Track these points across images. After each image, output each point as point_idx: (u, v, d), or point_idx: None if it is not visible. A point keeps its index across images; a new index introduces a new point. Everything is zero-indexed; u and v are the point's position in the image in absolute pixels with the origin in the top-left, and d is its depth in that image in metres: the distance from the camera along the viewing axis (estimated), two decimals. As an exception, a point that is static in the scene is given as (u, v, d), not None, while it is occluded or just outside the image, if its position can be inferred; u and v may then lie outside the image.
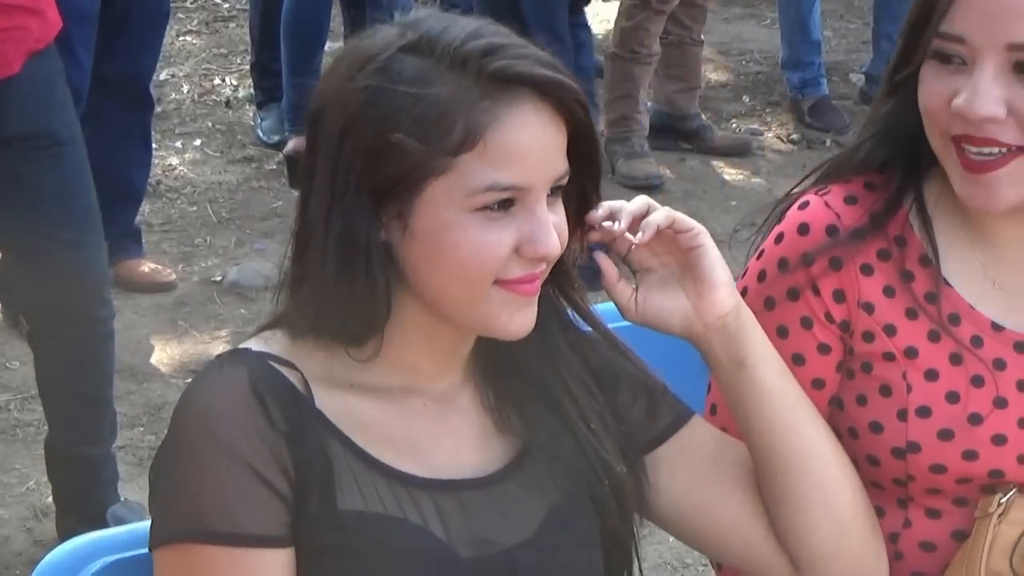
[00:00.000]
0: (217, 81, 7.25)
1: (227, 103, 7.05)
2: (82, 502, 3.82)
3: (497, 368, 1.92)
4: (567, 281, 1.93)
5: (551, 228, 1.79)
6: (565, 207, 1.85)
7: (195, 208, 6.03)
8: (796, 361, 2.00)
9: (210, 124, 6.78)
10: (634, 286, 1.90)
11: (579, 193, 1.88)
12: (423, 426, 1.85)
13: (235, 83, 7.24)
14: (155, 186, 5.84)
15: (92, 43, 4.79)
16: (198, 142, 6.56)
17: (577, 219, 1.88)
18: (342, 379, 1.82)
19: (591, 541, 1.90)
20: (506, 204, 1.77)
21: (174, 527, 1.75)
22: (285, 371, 1.76)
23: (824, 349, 2.00)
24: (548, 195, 1.80)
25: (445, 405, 1.88)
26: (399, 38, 1.80)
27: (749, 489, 1.98)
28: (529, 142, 1.78)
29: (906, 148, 2.01)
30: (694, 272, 1.86)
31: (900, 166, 2.03)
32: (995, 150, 1.89)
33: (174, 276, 5.38)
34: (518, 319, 1.81)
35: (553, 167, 1.80)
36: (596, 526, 1.90)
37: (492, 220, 1.77)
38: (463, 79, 1.77)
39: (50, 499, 3.98)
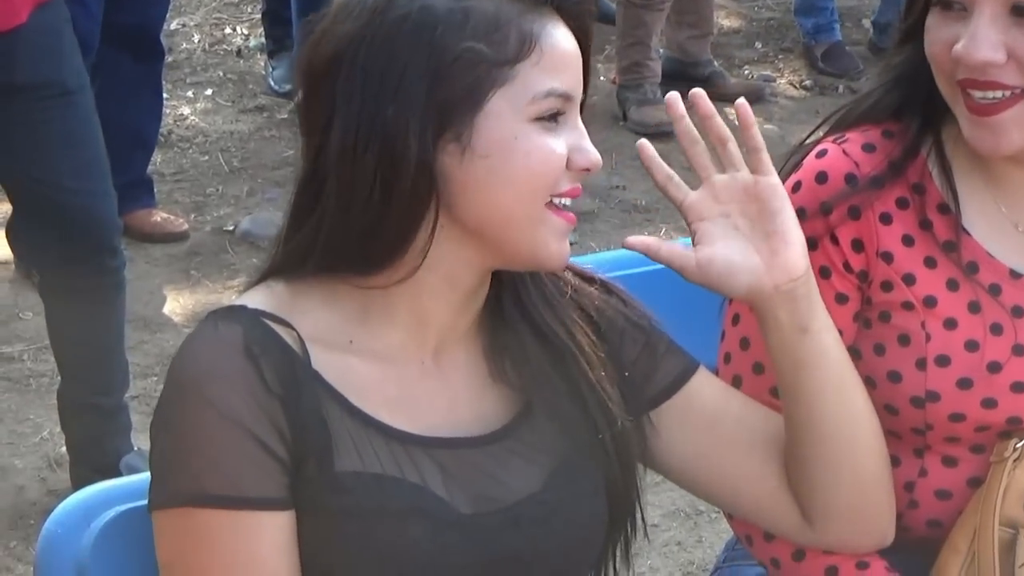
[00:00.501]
0: (228, 30, 7.22)
1: (238, 52, 7.03)
2: (95, 451, 3.85)
3: (499, 323, 1.92)
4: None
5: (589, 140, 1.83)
6: None
7: (207, 158, 6.05)
8: None
9: (221, 73, 6.77)
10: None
11: None
12: (422, 384, 1.85)
13: (246, 32, 7.20)
14: (167, 136, 5.86)
15: (102, -1, 4.77)
16: (209, 92, 6.56)
17: None
18: (341, 335, 1.82)
19: (595, 493, 1.91)
20: (556, 116, 1.77)
21: (172, 491, 1.76)
22: (281, 330, 1.76)
23: (842, 299, 2.01)
24: None
25: (445, 363, 1.88)
26: None
27: (756, 441, 2.00)
28: (573, 51, 1.80)
29: (920, 95, 2.02)
30: (768, 228, 1.85)
31: (916, 113, 2.03)
32: (999, 93, 1.91)
33: (186, 226, 5.41)
34: (564, 246, 1.82)
35: (581, 80, 1.83)
36: (600, 478, 1.90)
37: (548, 130, 1.77)
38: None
39: (64, 449, 4.01)
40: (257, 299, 1.80)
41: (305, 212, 1.82)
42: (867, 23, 6.96)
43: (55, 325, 3.94)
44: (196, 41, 6.98)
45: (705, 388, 1.99)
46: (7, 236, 4.70)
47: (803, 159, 2.05)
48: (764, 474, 1.99)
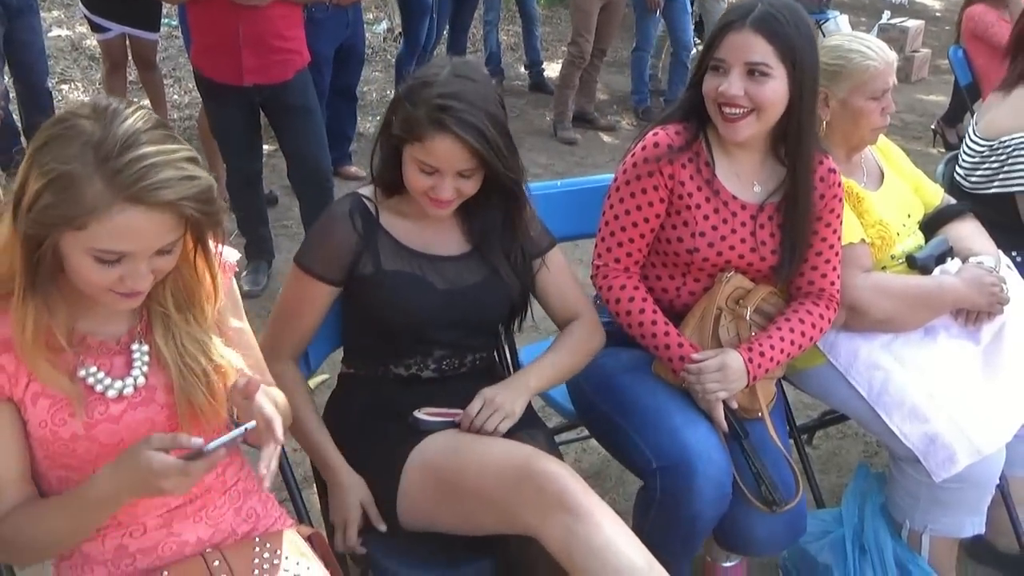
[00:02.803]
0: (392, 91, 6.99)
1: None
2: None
3: (468, 212, 1.85)
4: (512, 201, 1.82)
5: (450, 188, 1.69)
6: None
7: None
8: (650, 204, 1.96)
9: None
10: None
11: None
12: (429, 231, 1.86)
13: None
14: (358, 135, 5.62)
15: (330, 70, 4.66)
16: (379, 118, 6.30)
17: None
18: (394, 208, 1.83)
19: (507, 287, 1.86)
20: (428, 170, 1.69)
21: (299, 256, 1.78)
22: (368, 204, 1.81)
23: (662, 200, 1.97)
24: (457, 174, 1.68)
25: (439, 223, 1.89)
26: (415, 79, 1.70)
27: (569, 289, 1.96)
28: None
29: (697, 112, 1.99)
30: None
31: (697, 118, 2.00)
32: (739, 111, 1.89)
33: (365, 174, 5.19)
34: (433, 212, 1.74)
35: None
36: (509, 284, 1.86)
37: (424, 174, 1.68)
38: (421, 108, 1.66)
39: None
40: (363, 190, 1.82)
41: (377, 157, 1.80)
42: (662, 100, 6.77)
43: (303, 212, 3.91)
44: (374, 95, 6.74)
45: (558, 253, 1.94)
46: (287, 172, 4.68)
47: (644, 136, 2.00)
48: (566, 307, 1.95)
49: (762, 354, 1.93)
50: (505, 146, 1.68)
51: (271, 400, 1.34)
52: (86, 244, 1.22)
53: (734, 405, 1.93)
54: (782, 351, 1.95)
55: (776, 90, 1.86)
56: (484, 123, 1.63)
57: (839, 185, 2.03)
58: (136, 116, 1.24)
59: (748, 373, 1.90)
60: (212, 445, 1.23)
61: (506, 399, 1.72)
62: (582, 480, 1.55)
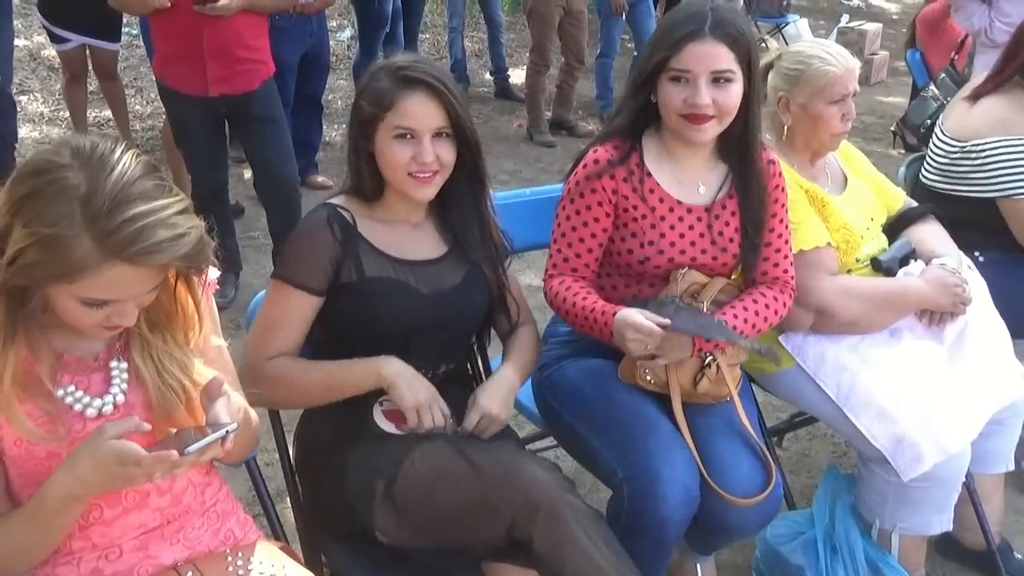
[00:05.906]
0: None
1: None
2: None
3: (444, 210, 1.88)
4: (477, 183, 1.86)
5: (431, 151, 1.72)
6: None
7: (342, 153, 5.72)
8: (596, 220, 1.95)
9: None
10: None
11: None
12: (407, 237, 1.88)
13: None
14: (324, 144, 5.60)
15: (294, 78, 4.64)
16: (344, 127, 6.24)
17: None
18: (369, 215, 1.84)
19: (483, 292, 1.88)
20: (405, 135, 1.72)
21: (278, 272, 1.78)
22: (345, 213, 1.80)
23: (608, 214, 1.96)
24: (433, 136, 1.73)
25: (415, 228, 1.89)
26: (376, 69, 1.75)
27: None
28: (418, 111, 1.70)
29: (636, 122, 1.99)
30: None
31: (632, 132, 1.99)
32: (704, 118, 1.89)
33: (331, 183, 5.18)
34: (419, 193, 1.77)
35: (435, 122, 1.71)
36: (486, 287, 1.89)
37: (402, 143, 1.72)
38: (385, 79, 1.72)
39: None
40: (335, 200, 1.83)
41: (351, 165, 1.82)
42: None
43: (271, 223, 3.87)
44: (340, 103, 6.73)
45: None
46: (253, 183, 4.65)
47: (587, 153, 1.99)
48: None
49: None
50: (466, 109, 1.75)
51: (235, 408, 1.34)
52: (74, 293, 1.22)
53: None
54: (733, 327, 1.92)
55: (737, 93, 1.88)
56: (445, 77, 1.73)
57: (780, 175, 2.04)
58: (124, 163, 1.20)
59: (693, 344, 1.88)
60: (190, 449, 1.22)
61: (501, 409, 1.76)
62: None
